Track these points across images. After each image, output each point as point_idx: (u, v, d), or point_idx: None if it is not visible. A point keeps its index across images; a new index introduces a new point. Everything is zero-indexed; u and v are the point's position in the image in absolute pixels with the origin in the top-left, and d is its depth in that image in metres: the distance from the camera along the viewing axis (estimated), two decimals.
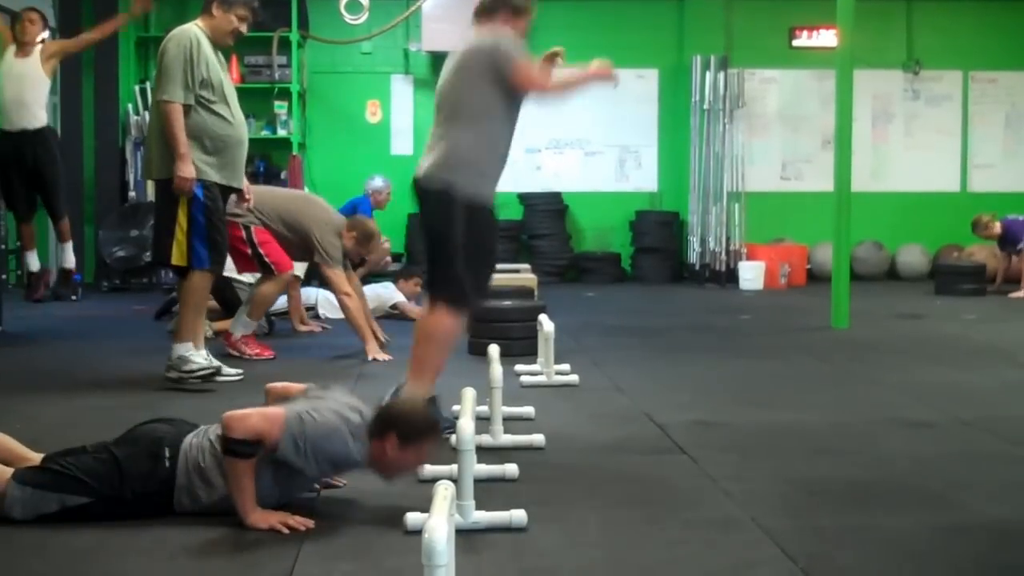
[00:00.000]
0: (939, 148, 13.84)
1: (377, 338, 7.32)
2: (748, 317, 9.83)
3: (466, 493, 3.51)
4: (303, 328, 8.60)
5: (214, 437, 3.64)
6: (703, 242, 13.22)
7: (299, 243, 7.28)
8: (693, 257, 13.27)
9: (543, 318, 6.45)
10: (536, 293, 8.53)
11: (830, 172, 9.22)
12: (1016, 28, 13.22)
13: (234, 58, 12.38)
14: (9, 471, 3.59)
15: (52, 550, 3.36)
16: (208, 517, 3.61)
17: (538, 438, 4.70)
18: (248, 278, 8.05)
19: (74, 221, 8.97)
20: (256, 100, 12.36)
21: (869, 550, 3.44)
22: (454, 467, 3.66)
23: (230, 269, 7.29)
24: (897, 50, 13.60)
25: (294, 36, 12.56)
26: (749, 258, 12.98)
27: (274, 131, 12.70)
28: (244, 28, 6.23)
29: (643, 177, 13.68)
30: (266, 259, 7.16)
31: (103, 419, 5.02)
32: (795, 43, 13.66)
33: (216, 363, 6.15)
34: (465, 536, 3.36)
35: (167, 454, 3.62)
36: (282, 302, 8.42)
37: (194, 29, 6.07)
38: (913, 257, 13.49)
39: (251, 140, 6.67)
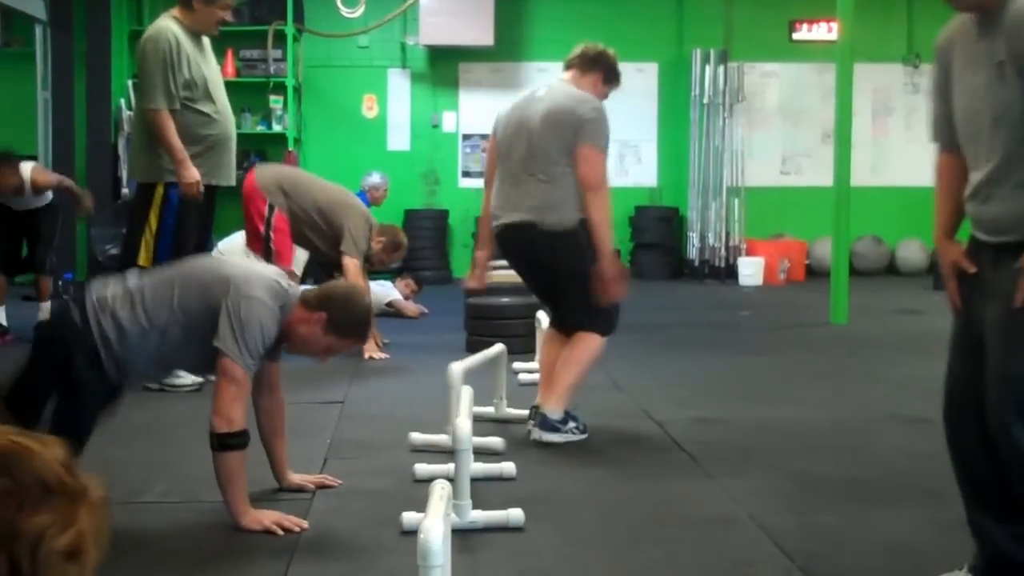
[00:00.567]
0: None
1: (375, 337, 7.33)
2: (747, 313, 9.85)
3: (463, 492, 3.52)
4: None
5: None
6: (703, 238, 13.23)
7: (330, 235, 7.18)
8: (692, 253, 13.28)
9: (541, 315, 6.46)
10: None
11: (830, 166, 9.24)
12: None
13: (229, 52, 12.39)
14: None
15: None
16: (201, 520, 3.63)
17: (508, 467, 4.30)
18: None
19: (66, 218, 8.95)
20: (251, 94, 12.36)
21: (867, 547, 3.46)
22: (451, 466, 3.68)
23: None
24: (897, 43, 13.59)
25: (289, 30, 12.56)
26: (748, 254, 12.99)
27: (269, 126, 12.69)
28: (228, 16, 6.09)
29: (642, 172, 13.69)
30: (272, 245, 7.15)
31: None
32: (795, 36, 13.65)
33: (200, 379, 5.96)
34: (462, 536, 3.38)
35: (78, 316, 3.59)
36: None
37: (171, 28, 5.84)
38: (913, 252, 13.50)
39: (246, 135, 6.67)
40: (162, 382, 5.73)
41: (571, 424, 4.90)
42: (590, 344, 4.94)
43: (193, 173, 5.80)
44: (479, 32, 12.55)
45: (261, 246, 7.16)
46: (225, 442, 3.51)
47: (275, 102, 12.68)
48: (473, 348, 6.54)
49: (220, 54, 12.03)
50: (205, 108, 5.90)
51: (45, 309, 8.11)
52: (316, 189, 7.28)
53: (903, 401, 5.78)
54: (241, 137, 6.63)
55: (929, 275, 12.25)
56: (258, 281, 3.60)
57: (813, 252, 13.12)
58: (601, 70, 5.14)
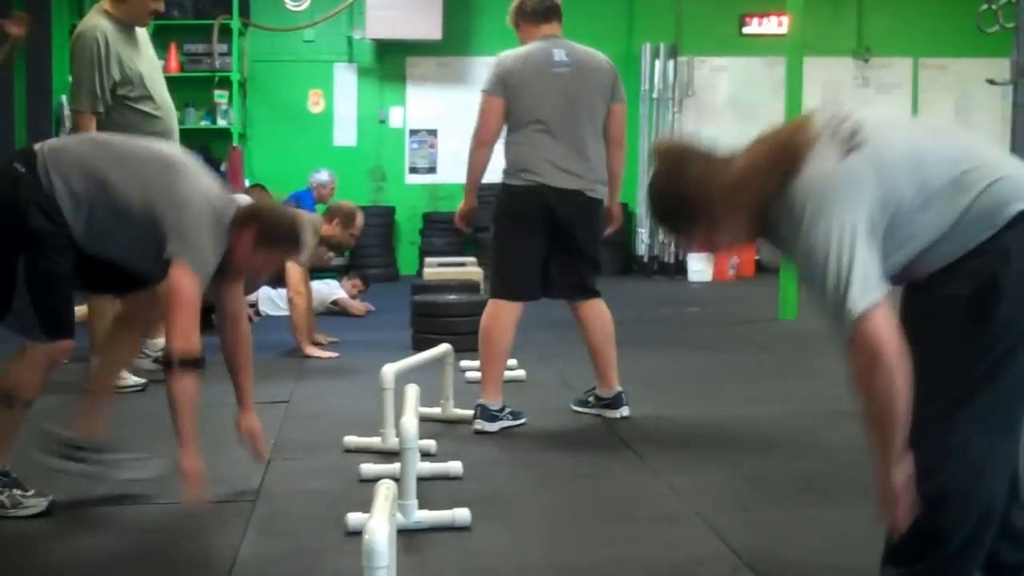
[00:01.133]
0: None
1: (317, 339, 7.35)
2: (696, 309, 9.90)
3: (409, 492, 3.53)
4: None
5: None
6: (652, 234, 13.28)
7: None
8: (642, 249, 13.33)
9: None
10: (482, 287, 8.55)
11: None
12: (965, 14, 13.26)
13: (173, 47, 12.32)
14: None
15: None
16: (140, 518, 3.62)
17: (455, 466, 4.30)
18: None
19: None
20: (196, 89, 12.29)
21: (814, 543, 3.50)
22: (397, 466, 3.69)
23: None
24: (847, 37, 13.70)
25: (235, 24, 12.49)
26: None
27: (214, 121, 12.62)
28: (161, 6, 5.83)
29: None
30: None
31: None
32: (745, 30, 13.73)
33: (143, 380, 5.90)
34: (408, 536, 3.39)
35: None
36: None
37: (100, 25, 5.64)
38: None
39: (190, 131, 6.61)
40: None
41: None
42: (606, 312, 5.31)
43: None
44: (427, 26, 12.53)
45: None
46: (185, 362, 3.45)
47: (220, 97, 12.61)
48: (419, 346, 6.55)
49: (164, 48, 12.00)
50: (144, 106, 5.74)
51: None
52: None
53: (850, 397, 5.84)
54: (185, 132, 6.56)
55: None
56: (201, 192, 3.62)
57: (763, 247, 13.19)
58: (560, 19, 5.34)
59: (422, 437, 4.35)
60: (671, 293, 11.41)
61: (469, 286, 8.16)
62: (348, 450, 4.61)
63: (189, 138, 6.36)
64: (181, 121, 6.37)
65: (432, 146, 13.40)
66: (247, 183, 11.86)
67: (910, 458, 2.42)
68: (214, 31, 12.26)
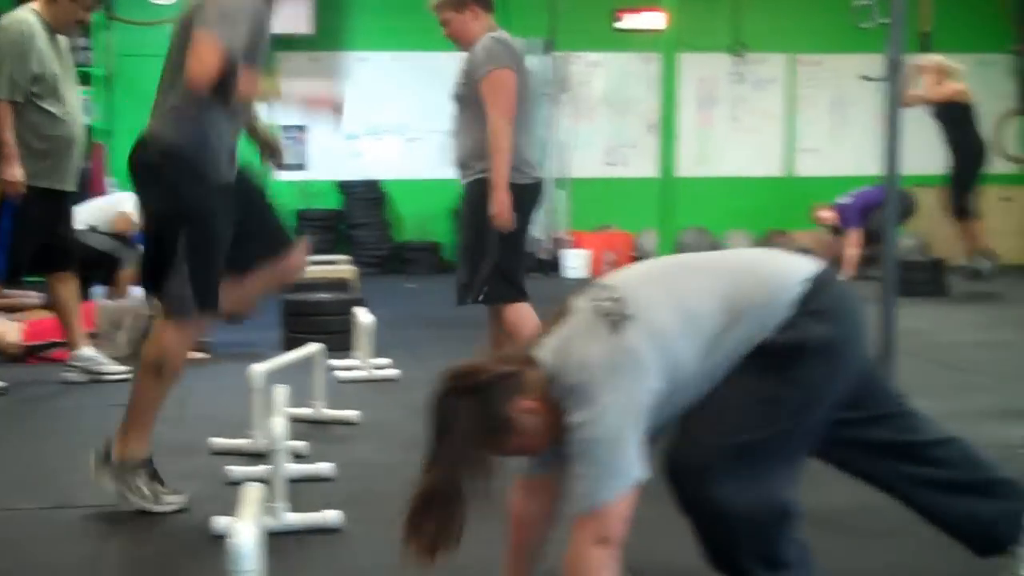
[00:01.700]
0: (765, 132, 14.22)
1: None
2: None
3: (278, 494, 3.48)
4: None
5: None
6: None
7: None
8: (535, 245, 13.37)
9: (360, 310, 6.44)
10: (354, 285, 8.49)
11: (656, 157, 9.39)
12: (841, 10, 13.44)
13: None
14: None
15: None
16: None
17: (325, 467, 4.30)
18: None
19: None
20: None
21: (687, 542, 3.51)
22: (265, 468, 3.63)
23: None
24: (722, 33, 13.88)
25: (99, 17, 12.23)
26: (574, 246, 13.14)
27: None
28: (88, 18, 5.98)
29: None
30: None
31: None
32: (619, 25, 13.84)
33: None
34: (277, 539, 3.34)
35: None
36: None
37: (28, 19, 5.71)
38: (739, 242, 13.82)
39: None
40: None
41: None
42: None
43: (15, 172, 5.63)
44: (296, 20, 12.39)
45: None
46: None
47: (83, 93, 12.31)
48: (290, 346, 6.46)
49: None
50: (52, 108, 5.76)
51: None
52: None
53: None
54: None
55: None
56: None
57: (640, 244, 13.32)
58: None
59: (293, 438, 4.30)
60: (547, 291, 11.30)
61: (340, 284, 8.09)
62: (215, 452, 4.54)
63: None
64: None
65: (303, 142, 13.27)
66: (112, 182, 11.63)
67: None
68: None
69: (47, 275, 6.09)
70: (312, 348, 5.08)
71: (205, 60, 3.56)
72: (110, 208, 8.24)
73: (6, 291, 6.68)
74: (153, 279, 3.78)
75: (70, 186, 5.98)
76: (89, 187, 9.92)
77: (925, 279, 10.20)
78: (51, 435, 5.00)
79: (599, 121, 13.98)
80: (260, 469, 3.85)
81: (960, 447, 2.89)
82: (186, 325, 3.77)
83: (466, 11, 5.13)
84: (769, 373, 2.56)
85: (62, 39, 5.94)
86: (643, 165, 13.20)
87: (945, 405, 5.63)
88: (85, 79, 12.23)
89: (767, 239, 13.55)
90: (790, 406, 2.58)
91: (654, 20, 12.35)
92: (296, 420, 4.85)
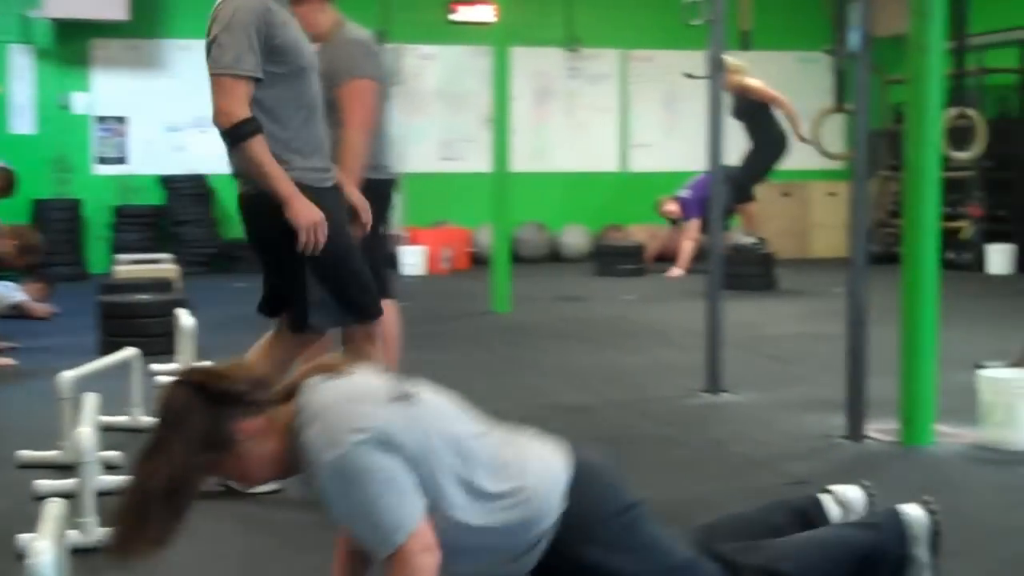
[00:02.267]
0: (599, 127, 14.38)
1: None
2: (409, 304, 9.87)
3: (87, 509, 3.40)
4: None
5: None
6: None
7: None
8: None
9: (182, 312, 6.32)
10: (177, 285, 8.34)
11: (491, 152, 9.42)
12: (672, 7, 13.70)
13: None
14: None
15: None
16: None
17: None
18: None
19: None
20: None
21: None
22: (75, 481, 3.54)
23: None
24: (556, 27, 13.98)
25: None
26: (411, 243, 13.10)
27: None
28: None
29: None
30: None
31: None
32: (453, 18, 13.83)
33: None
34: (87, 556, 3.26)
35: None
36: None
37: None
38: (575, 238, 13.95)
39: None
40: None
41: None
42: None
43: None
44: (110, 5, 12.10)
45: None
46: (239, 132, 3.86)
47: None
48: (107, 349, 6.31)
49: None
50: None
51: None
52: None
53: (562, 390, 5.97)
54: None
55: (592, 261, 12.70)
56: None
57: (477, 239, 13.35)
58: None
59: (107, 448, 4.21)
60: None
61: (163, 285, 7.92)
62: (22, 465, 4.41)
63: None
64: None
65: (122, 135, 12.97)
66: None
67: None
68: None
69: None
70: (128, 352, 4.97)
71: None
72: None
73: None
74: None
75: None
76: None
77: (755, 273, 10.45)
78: None
79: (434, 115, 13.97)
80: (70, 483, 3.75)
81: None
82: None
83: (305, 4, 5.07)
84: None
85: None
86: (479, 160, 13.18)
87: (769, 396, 5.81)
88: None
89: (603, 234, 13.70)
90: None
91: (487, 13, 12.41)
92: (112, 429, 4.75)
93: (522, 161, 11.40)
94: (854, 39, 4.78)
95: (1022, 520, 3.83)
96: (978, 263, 11.90)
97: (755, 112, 10.56)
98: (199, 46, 5.44)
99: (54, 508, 2.54)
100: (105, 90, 12.90)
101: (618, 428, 5.21)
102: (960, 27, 5.72)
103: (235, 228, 13.47)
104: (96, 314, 7.20)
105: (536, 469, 2.66)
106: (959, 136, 6.75)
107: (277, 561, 3.48)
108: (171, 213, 13.04)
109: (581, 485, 2.67)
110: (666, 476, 4.42)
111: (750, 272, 10.37)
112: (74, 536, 3.32)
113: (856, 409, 4.86)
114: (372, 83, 4.82)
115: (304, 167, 4.02)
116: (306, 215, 3.89)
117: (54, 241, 11.68)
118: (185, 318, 6.15)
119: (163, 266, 9.01)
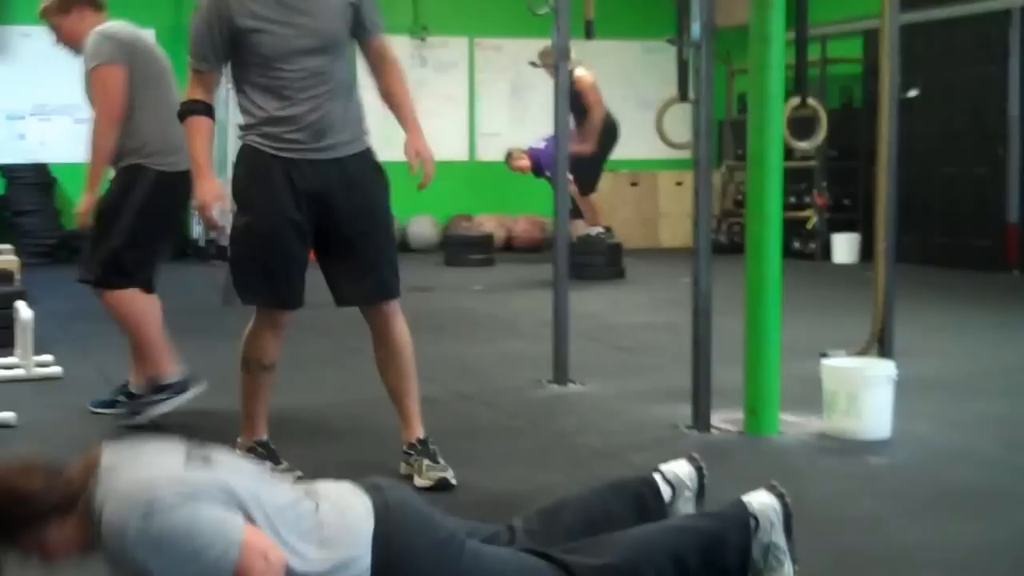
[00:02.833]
0: (447, 116, 14.27)
1: None
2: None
3: None
4: None
5: None
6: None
7: None
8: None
9: (20, 304, 6.11)
10: (17, 277, 8.04)
11: None
12: None
13: None
14: None
15: None
16: None
17: None
18: None
19: None
20: None
21: None
22: None
23: None
24: (403, 15, 13.86)
25: None
26: None
27: None
28: None
29: None
30: None
31: None
32: None
33: None
34: None
35: None
36: None
37: None
38: (424, 228, 13.85)
39: None
40: None
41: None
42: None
43: None
44: None
45: None
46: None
47: None
48: None
49: None
50: None
51: None
52: None
53: None
54: None
55: (441, 251, 12.63)
56: None
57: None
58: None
59: None
60: (223, 280, 11.15)
61: (2, 276, 7.62)
62: None
63: None
64: None
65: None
66: None
67: None
68: None
69: None
70: None
71: None
72: None
73: None
74: None
75: None
76: None
77: (603, 263, 10.47)
78: None
79: None
80: None
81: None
82: None
83: (72, 13, 5.05)
84: None
85: None
86: None
87: (616, 387, 5.81)
88: None
89: (452, 224, 13.64)
90: None
91: None
92: None
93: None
94: (696, 28, 4.77)
95: (864, 509, 3.87)
96: (824, 252, 12.09)
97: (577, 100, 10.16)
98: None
99: None
100: None
101: (464, 420, 5.16)
102: (802, 17, 5.76)
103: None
104: None
105: (340, 520, 2.63)
106: (801, 126, 6.81)
107: None
108: (11, 203, 12.66)
109: (390, 526, 2.63)
110: (511, 468, 4.38)
111: (598, 262, 10.39)
112: None
113: (702, 399, 4.86)
114: (117, 68, 4.92)
115: None
116: None
117: None
118: (24, 311, 5.96)
119: (3, 257, 8.68)
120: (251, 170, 4.06)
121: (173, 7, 13.16)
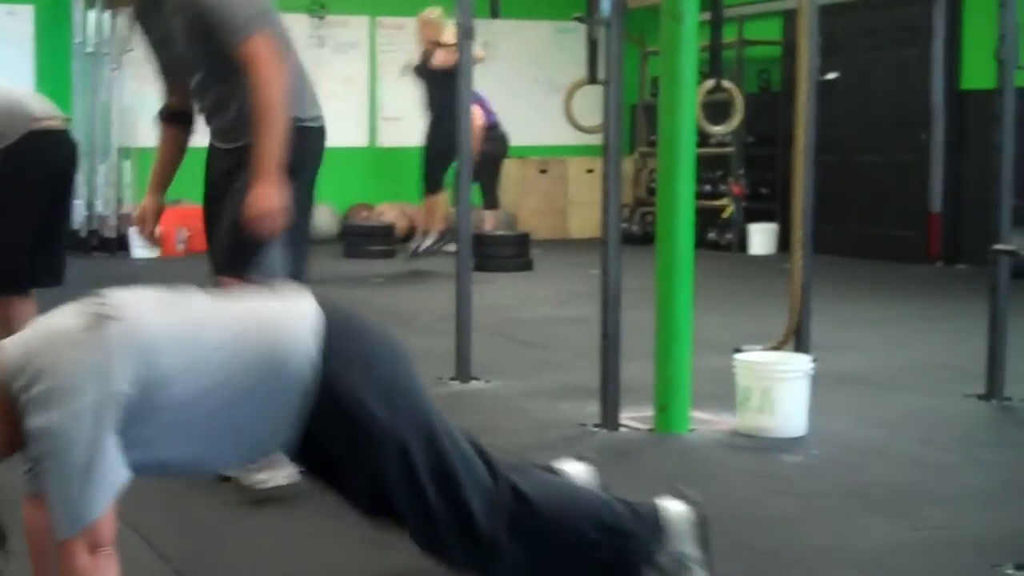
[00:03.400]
0: (347, 99, 14.16)
1: None
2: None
3: None
4: None
5: None
6: (90, 205, 12.79)
7: None
8: (79, 223, 12.81)
9: None
10: None
11: None
12: None
13: None
14: None
15: None
16: None
17: None
18: None
19: None
20: None
21: (246, 544, 3.43)
22: None
23: None
24: None
25: None
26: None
27: None
28: None
29: None
30: None
31: None
32: None
33: None
34: None
35: None
36: None
37: None
38: (322, 218, 13.74)
39: None
40: None
41: None
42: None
43: None
44: None
45: None
46: None
47: None
48: None
49: None
50: None
51: None
52: None
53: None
54: None
55: (340, 242, 12.55)
56: None
57: None
58: None
59: None
60: (112, 272, 10.94)
61: None
62: None
63: None
64: None
65: None
66: None
67: None
68: None
69: None
70: None
71: None
72: None
73: None
74: None
75: None
76: None
77: (509, 254, 10.47)
78: None
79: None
80: None
81: None
82: None
83: None
84: None
85: None
86: None
87: (522, 383, 5.80)
88: None
89: (351, 213, 13.56)
90: None
91: None
92: None
93: None
94: (605, 6, 4.77)
95: (778, 510, 3.90)
96: (741, 244, 12.07)
97: (444, 74, 9.99)
98: None
99: None
100: None
101: None
102: None
103: None
104: None
105: (276, 312, 2.80)
106: (716, 110, 6.84)
107: None
108: None
109: (336, 328, 2.80)
110: None
111: (504, 253, 10.39)
112: None
113: (610, 396, 4.86)
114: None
115: None
116: None
117: None
118: None
119: None
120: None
121: None
